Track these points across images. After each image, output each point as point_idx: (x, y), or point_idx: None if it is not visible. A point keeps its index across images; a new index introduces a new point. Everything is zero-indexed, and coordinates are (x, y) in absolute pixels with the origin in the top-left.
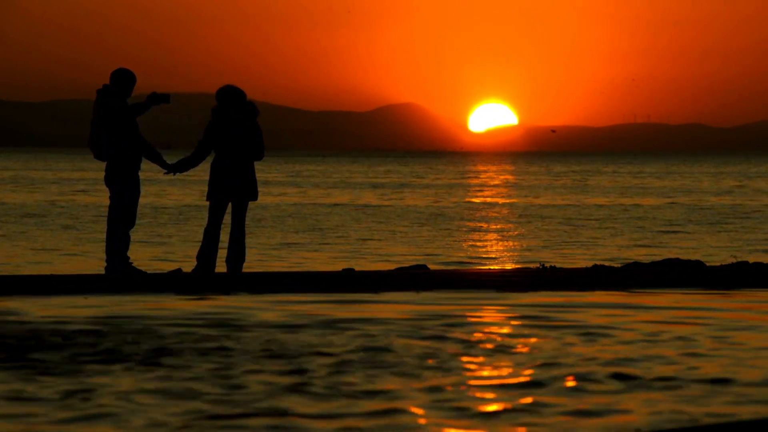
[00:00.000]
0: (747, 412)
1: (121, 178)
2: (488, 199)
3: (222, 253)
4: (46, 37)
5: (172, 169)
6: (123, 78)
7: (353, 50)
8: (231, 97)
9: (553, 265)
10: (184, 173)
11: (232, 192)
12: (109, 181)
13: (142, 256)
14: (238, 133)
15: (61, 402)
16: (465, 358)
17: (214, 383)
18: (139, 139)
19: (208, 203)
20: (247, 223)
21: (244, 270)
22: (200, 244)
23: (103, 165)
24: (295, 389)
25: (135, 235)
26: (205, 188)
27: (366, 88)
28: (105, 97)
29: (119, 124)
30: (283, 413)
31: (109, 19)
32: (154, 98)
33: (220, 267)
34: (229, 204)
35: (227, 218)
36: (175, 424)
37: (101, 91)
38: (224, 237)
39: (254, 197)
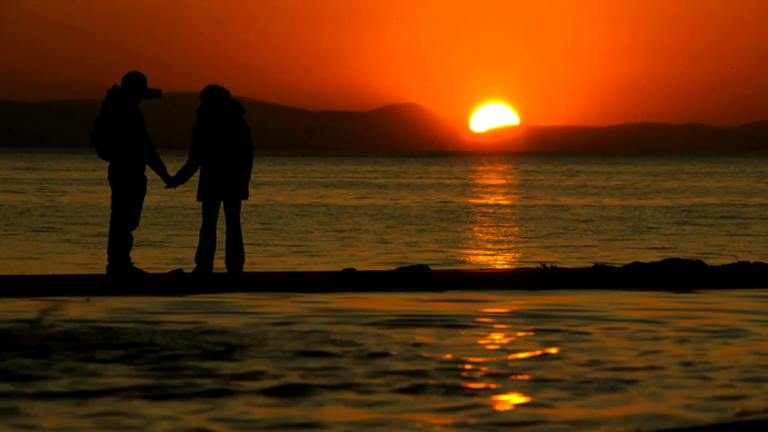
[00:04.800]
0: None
1: (125, 177)
2: (489, 200)
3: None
4: (46, 36)
5: (172, 182)
6: (133, 80)
7: (355, 50)
8: (215, 97)
9: (553, 264)
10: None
11: (221, 192)
12: (112, 180)
13: (143, 256)
14: (225, 133)
15: (58, 401)
16: (465, 358)
17: (213, 383)
18: (146, 143)
19: (200, 204)
20: (243, 223)
21: (245, 270)
22: (197, 245)
23: (106, 165)
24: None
25: (136, 235)
26: None
27: (367, 88)
28: (114, 97)
29: (126, 124)
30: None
31: (111, 18)
32: (145, 93)
33: (222, 268)
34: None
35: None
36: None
37: (112, 92)
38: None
39: (244, 196)
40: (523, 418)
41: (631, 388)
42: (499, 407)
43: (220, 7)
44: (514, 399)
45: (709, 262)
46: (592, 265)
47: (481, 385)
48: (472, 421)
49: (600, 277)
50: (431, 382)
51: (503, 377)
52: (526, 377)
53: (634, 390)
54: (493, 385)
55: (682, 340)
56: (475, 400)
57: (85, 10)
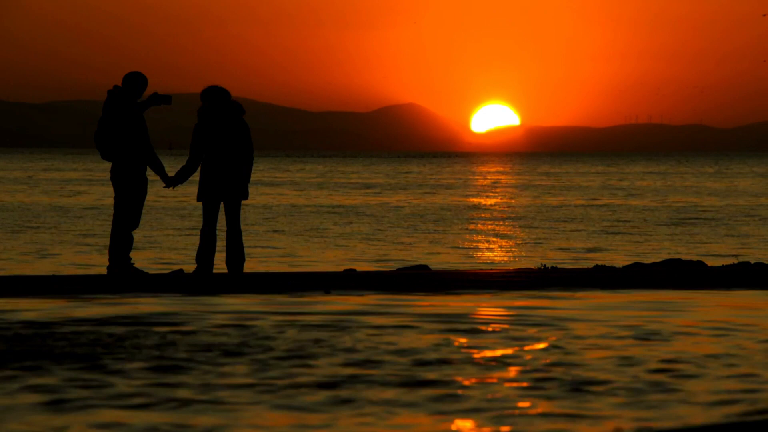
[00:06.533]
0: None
1: (126, 177)
2: (489, 200)
3: (222, 255)
4: (47, 36)
5: (171, 182)
6: (134, 80)
7: (356, 51)
8: (216, 97)
9: (554, 265)
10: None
11: (222, 192)
12: (114, 180)
13: (144, 256)
14: (225, 133)
15: (54, 402)
16: (465, 359)
17: (203, 384)
18: (146, 145)
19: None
20: (245, 223)
21: (245, 271)
22: (198, 246)
23: (108, 165)
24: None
25: (137, 235)
26: None
27: (368, 88)
28: (116, 97)
29: (128, 125)
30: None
31: (113, 18)
32: (156, 99)
33: (222, 268)
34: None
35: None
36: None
37: (112, 92)
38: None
39: (244, 196)
40: (523, 417)
41: (632, 388)
42: (499, 407)
43: (221, 7)
44: (514, 399)
45: (709, 262)
46: (592, 265)
47: (481, 386)
48: (473, 420)
49: (600, 278)
50: (431, 383)
51: (503, 377)
52: (525, 378)
53: (635, 390)
54: (492, 386)
55: (684, 341)
56: (475, 400)
57: (88, 9)
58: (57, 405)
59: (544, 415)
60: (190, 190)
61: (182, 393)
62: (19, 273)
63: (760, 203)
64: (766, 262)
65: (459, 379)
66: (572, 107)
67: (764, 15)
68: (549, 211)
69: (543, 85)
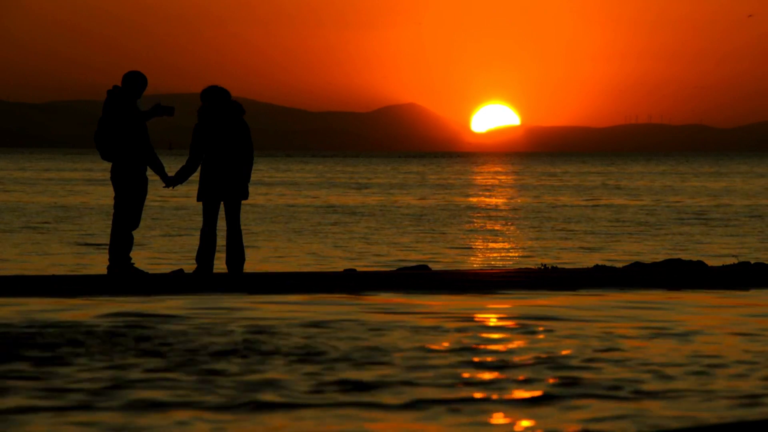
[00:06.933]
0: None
1: (126, 178)
2: (489, 200)
3: (222, 255)
4: (47, 36)
5: (171, 182)
6: (134, 80)
7: (356, 50)
8: (216, 97)
9: (554, 265)
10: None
11: (222, 192)
12: (114, 180)
13: (144, 256)
14: (225, 133)
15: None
16: (465, 359)
17: (210, 384)
18: (146, 145)
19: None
20: (245, 223)
21: (245, 271)
22: (198, 246)
23: (108, 165)
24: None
25: (137, 235)
26: None
27: (368, 88)
28: (115, 97)
29: (128, 125)
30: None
31: (113, 18)
32: (158, 109)
33: (222, 268)
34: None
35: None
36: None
37: (112, 92)
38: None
39: (244, 196)
40: (523, 418)
41: (632, 389)
42: (500, 407)
43: (221, 7)
44: (513, 399)
45: (709, 262)
46: (592, 265)
47: (481, 386)
48: (474, 422)
49: (600, 278)
50: (427, 383)
51: (503, 378)
52: (525, 378)
53: (636, 390)
54: (493, 386)
55: (683, 341)
56: (472, 399)
57: (87, 10)
58: (58, 405)
59: (546, 415)
60: (190, 190)
61: (193, 393)
62: (19, 273)
63: (760, 203)
64: (766, 262)
65: (458, 378)
66: (572, 107)
67: (750, 16)
68: (549, 211)
69: (543, 85)
